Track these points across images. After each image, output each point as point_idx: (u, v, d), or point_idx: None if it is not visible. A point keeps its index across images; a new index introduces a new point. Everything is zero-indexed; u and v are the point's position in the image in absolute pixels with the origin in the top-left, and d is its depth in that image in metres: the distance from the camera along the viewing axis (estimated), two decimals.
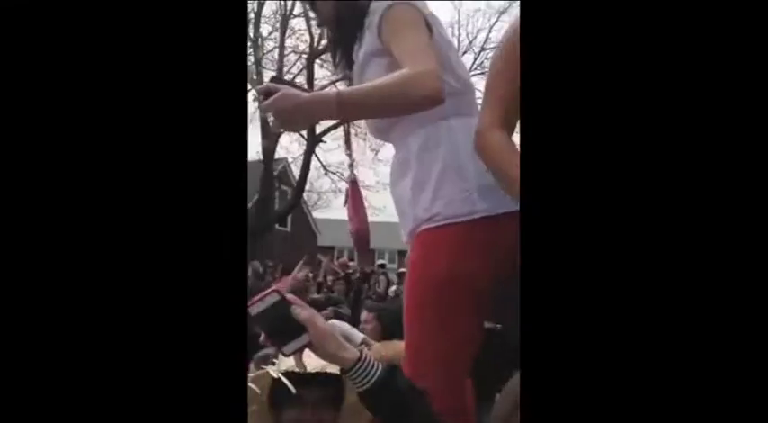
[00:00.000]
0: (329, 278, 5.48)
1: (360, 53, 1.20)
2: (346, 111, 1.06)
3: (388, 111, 1.11)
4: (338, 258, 10.18)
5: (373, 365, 0.82)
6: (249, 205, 11.23)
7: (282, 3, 10.05)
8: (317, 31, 9.89)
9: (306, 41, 10.21)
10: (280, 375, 1.06)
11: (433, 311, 1.12)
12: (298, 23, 10.35)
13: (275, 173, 10.85)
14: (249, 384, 1.13)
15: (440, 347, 1.12)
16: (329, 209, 16.18)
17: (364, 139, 10.68)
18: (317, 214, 17.99)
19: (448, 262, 1.12)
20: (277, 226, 12.71)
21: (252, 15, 10.21)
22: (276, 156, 11.13)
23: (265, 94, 1.05)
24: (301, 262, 4.29)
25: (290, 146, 11.40)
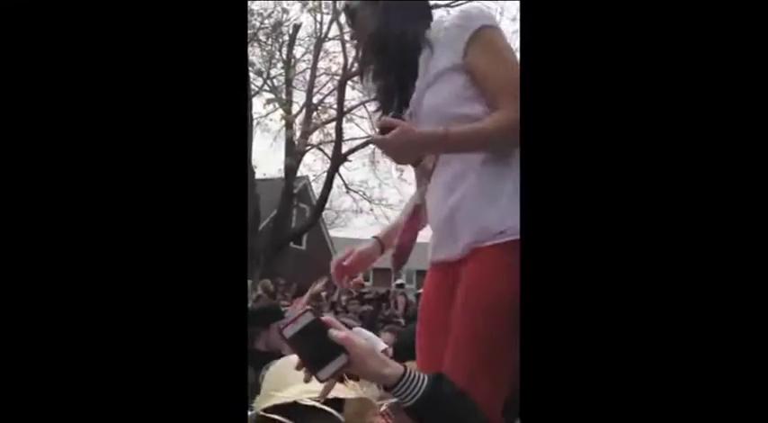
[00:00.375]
0: (344, 298, 5.48)
1: (429, 67, 1.18)
2: (448, 148, 1.11)
3: (485, 149, 1.12)
4: (353, 278, 10.14)
5: (419, 378, 0.79)
6: (265, 222, 11.33)
7: (318, 25, 10.29)
8: (351, 53, 10.10)
9: (339, 63, 10.41)
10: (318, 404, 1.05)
11: (495, 340, 1.03)
12: (332, 46, 10.57)
13: (295, 191, 10.96)
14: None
15: (496, 380, 1.03)
16: (346, 228, 16.23)
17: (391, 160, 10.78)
18: (333, 233, 18.03)
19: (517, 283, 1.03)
20: (292, 244, 12.76)
21: (287, 37, 10.46)
22: (298, 174, 11.26)
23: (383, 128, 1.07)
24: (319, 282, 4.30)
25: (313, 164, 11.53)
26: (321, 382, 0.80)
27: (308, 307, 0.84)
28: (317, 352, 0.78)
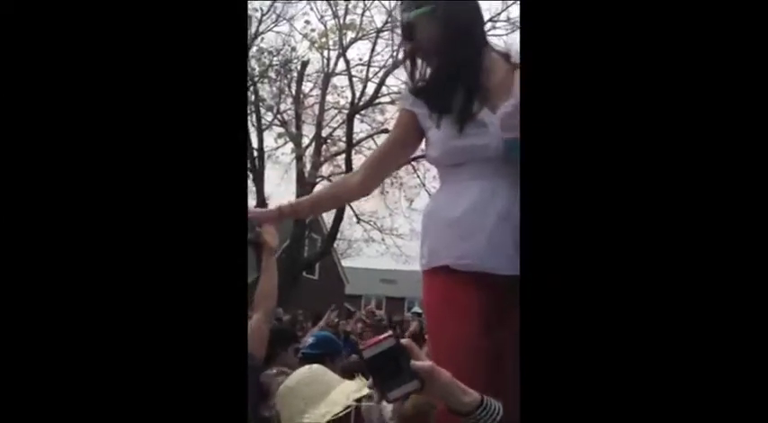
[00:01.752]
0: (359, 325, 5.58)
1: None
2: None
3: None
4: (366, 306, 10.24)
5: (495, 407, 0.82)
6: (278, 253, 11.44)
7: (325, 61, 10.63)
8: (358, 88, 10.40)
9: (346, 97, 10.71)
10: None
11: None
12: (339, 81, 10.91)
13: (307, 221, 11.15)
14: None
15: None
16: (359, 257, 16.30)
17: (399, 188, 10.98)
18: (345, 263, 18.10)
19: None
20: (305, 273, 12.88)
21: (295, 74, 10.81)
22: None
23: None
24: (331, 310, 4.42)
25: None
26: (389, 402, 0.87)
27: (391, 332, 0.84)
28: (392, 375, 0.80)
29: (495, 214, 1.20)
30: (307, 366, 1.40)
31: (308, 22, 11.13)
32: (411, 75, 1.35)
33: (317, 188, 11.13)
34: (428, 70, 1.31)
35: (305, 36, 10.07)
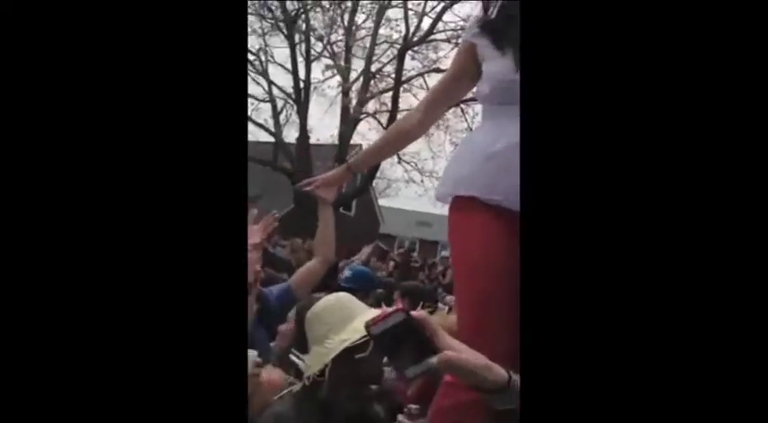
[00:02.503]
0: (390, 264, 5.64)
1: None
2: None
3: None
4: (399, 248, 10.34)
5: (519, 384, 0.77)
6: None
7: None
8: (413, 23, 10.03)
9: (400, 32, 10.37)
10: None
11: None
12: (394, 13, 10.53)
13: (347, 158, 11.15)
14: None
15: None
16: (396, 197, 16.34)
17: (445, 131, 10.81)
18: (383, 202, 18.21)
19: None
20: (341, 209, 13.04)
21: (349, 3, 10.47)
22: (352, 141, 11.41)
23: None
24: (367, 248, 4.47)
25: (367, 132, 11.59)
26: (408, 381, 0.77)
27: (400, 306, 0.78)
28: (406, 351, 0.75)
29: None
30: (334, 294, 1.41)
31: None
32: (485, 6, 1.33)
33: (361, 125, 11.09)
34: (499, 4, 1.29)
35: None
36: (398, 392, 1.61)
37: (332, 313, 1.29)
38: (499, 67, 1.24)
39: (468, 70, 1.34)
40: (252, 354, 1.38)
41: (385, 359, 0.81)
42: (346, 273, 3.01)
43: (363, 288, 2.77)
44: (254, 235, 1.75)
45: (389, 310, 0.77)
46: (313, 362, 1.25)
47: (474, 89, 1.38)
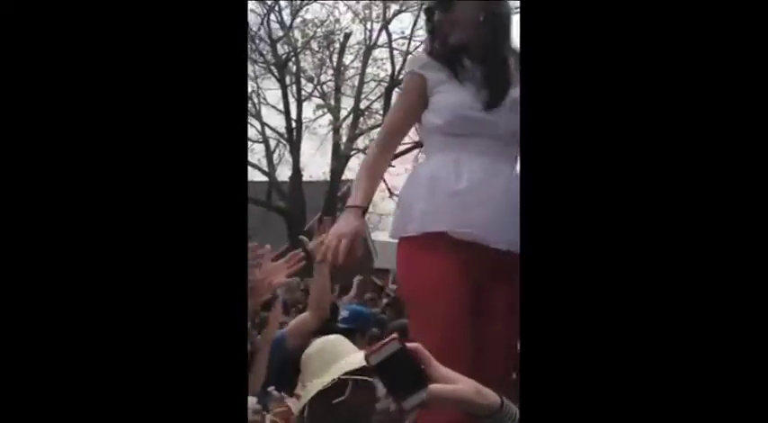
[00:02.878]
0: (383, 300, 5.67)
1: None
2: None
3: None
4: (393, 283, 10.32)
5: (513, 410, 0.78)
6: (311, 223, 11.64)
7: (368, 33, 10.61)
8: (398, 62, 10.33)
9: (386, 70, 10.69)
10: None
11: None
12: (380, 53, 10.86)
13: (339, 193, 11.27)
14: None
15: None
16: (388, 231, 16.23)
17: None
18: (376, 236, 18.18)
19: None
20: None
21: (338, 45, 10.82)
22: (343, 177, 11.56)
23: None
24: (358, 280, 4.50)
25: (357, 168, 11.69)
26: (406, 412, 0.78)
27: (395, 335, 0.79)
28: (402, 381, 0.75)
29: (498, 191, 1.27)
30: (326, 336, 1.46)
31: None
32: (432, 40, 1.37)
33: (352, 161, 11.24)
34: (451, 40, 1.32)
35: (349, 8, 10.05)
36: None
37: (320, 356, 1.33)
38: (453, 102, 1.28)
39: (420, 102, 1.34)
40: (251, 401, 1.41)
41: (383, 391, 0.83)
42: (343, 313, 3.03)
43: (361, 327, 2.79)
44: (279, 273, 1.48)
45: (386, 339, 0.78)
46: (297, 403, 1.29)
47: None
